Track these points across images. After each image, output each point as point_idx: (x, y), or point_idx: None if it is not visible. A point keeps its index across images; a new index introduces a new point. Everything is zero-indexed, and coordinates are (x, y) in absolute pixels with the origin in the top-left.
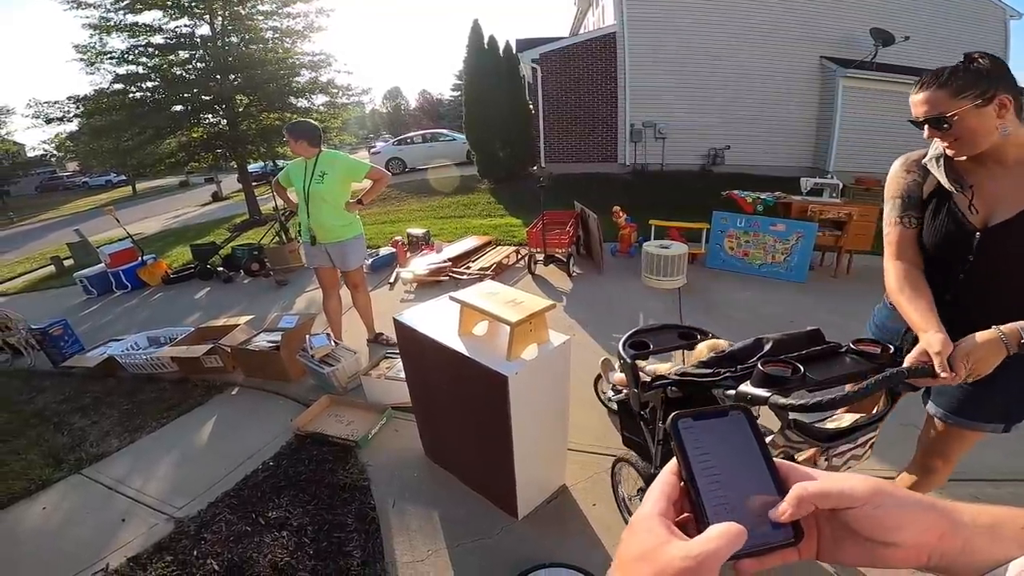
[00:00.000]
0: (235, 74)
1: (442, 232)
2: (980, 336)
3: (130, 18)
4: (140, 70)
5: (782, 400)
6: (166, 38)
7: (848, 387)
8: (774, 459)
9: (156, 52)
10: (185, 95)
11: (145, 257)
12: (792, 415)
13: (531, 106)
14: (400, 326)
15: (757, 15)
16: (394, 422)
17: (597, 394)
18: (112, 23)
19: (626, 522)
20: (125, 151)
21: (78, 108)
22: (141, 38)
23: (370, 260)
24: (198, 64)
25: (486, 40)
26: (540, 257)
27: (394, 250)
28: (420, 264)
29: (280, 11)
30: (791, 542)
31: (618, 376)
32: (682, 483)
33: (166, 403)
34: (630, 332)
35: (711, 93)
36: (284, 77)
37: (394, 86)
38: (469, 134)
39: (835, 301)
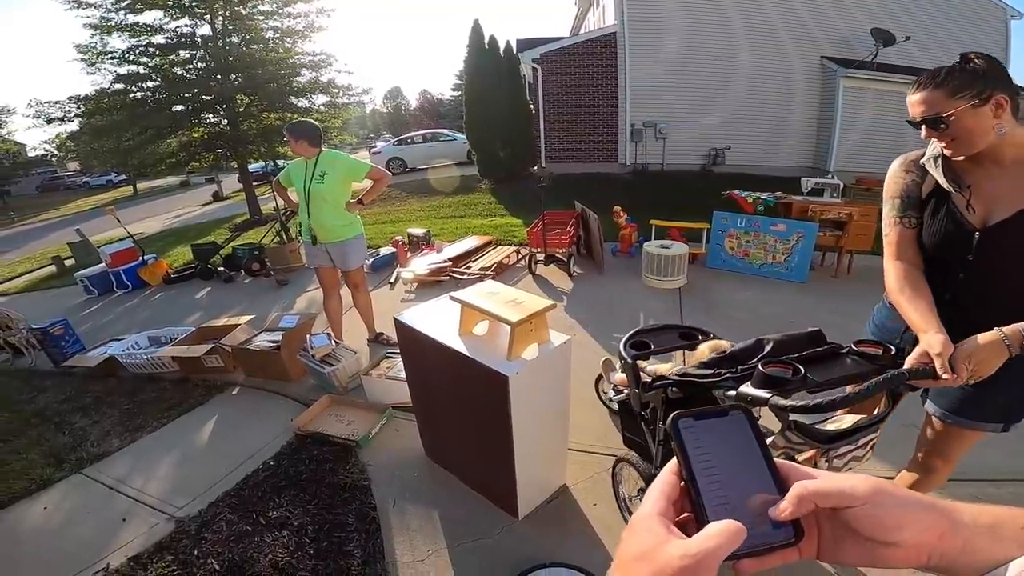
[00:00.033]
0: (236, 74)
1: (442, 232)
2: (982, 338)
3: (131, 18)
4: (141, 70)
5: (782, 401)
6: (167, 38)
7: (849, 388)
8: (775, 459)
9: (157, 52)
10: (186, 95)
11: (146, 257)
12: (792, 416)
13: (531, 106)
14: (400, 326)
15: (758, 15)
16: (394, 422)
17: (598, 394)
18: (113, 23)
19: (627, 522)
20: (126, 151)
21: (79, 108)
22: (142, 38)
23: (371, 260)
24: (199, 64)
25: (486, 40)
26: (541, 257)
27: (395, 250)
28: (421, 264)
29: (281, 11)
30: (791, 542)
31: (619, 376)
32: (682, 483)
33: (167, 403)
34: (631, 332)
35: (712, 93)
36: (285, 77)
37: (394, 86)
38: (470, 134)
39: (836, 301)
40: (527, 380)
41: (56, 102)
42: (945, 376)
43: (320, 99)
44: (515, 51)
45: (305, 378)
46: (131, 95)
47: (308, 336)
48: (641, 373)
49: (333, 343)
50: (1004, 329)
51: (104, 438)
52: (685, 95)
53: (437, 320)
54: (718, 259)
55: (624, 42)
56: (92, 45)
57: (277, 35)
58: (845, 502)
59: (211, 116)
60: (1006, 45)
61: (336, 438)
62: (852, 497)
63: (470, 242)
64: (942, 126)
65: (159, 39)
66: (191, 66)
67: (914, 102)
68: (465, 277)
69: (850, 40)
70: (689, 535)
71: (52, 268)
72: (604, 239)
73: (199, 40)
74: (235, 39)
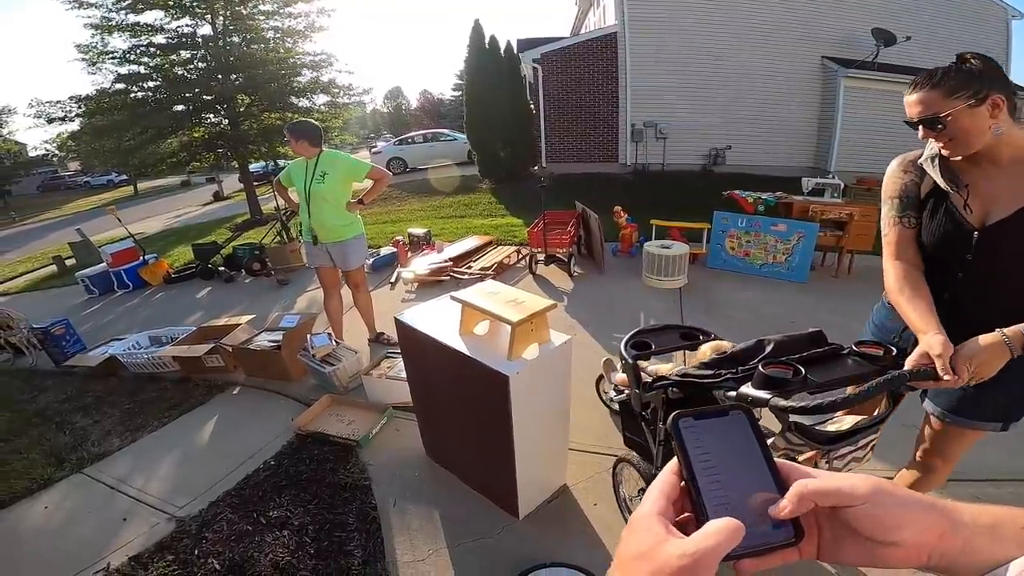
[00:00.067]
0: (236, 74)
1: (443, 232)
2: (983, 339)
3: (132, 18)
4: (142, 70)
5: (783, 402)
6: (168, 38)
7: (850, 389)
8: (775, 459)
9: (158, 52)
10: (186, 95)
11: (147, 256)
12: (793, 418)
13: (532, 106)
14: (401, 326)
15: (759, 15)
16: (395, 422)
17: (599, 394)
18: (114, 23)
19: (627, 522)
20: (127, 151)
21: (80, 108)
22: (143, 38)
23: (371, 260)
24: (199, 64)
25: (487, 40)
26: (541, 257)
27: (395, 250)
28: (421, 264)
29: (281, 11)
30: (791, 541)
31: (620, 376)
32: (683, 483)
33: (167, 402)
34: (632, 332)
35: (712, 93)
36: (285, 77)
37: (395, 86)
38: (470, 134)
39: (836, 301)
40: (528, 380)
41: (57, 102)
42: (946, 377)
43: (321, 99)
44: (516, 51)
45: (306, 378)
46: (132, 95)
47: (309, 336)
48: (642, 373)
49: (334, 343)
50: (1006, 330)
51: (105, 438)
52: (686, 95)
53: (438, 320)
54: (719, 259)
55: (625, 42)
56: (93, 45)
57: (278, 35)
58: (845, 501)
59: (212, 116)
60: (1007, 45)
61: (337, 438)
62: (852, 496)
63: (471, 242)
64: (939, 126)
65: (160, 39)
66: (192, 66)
67: (911, 102)
68: (466, 277)
69: (851, 40)
70: (689, 535)
71: (53, 268)
72: (605, 239)
73: (200, 40)
74: (236, 39)
